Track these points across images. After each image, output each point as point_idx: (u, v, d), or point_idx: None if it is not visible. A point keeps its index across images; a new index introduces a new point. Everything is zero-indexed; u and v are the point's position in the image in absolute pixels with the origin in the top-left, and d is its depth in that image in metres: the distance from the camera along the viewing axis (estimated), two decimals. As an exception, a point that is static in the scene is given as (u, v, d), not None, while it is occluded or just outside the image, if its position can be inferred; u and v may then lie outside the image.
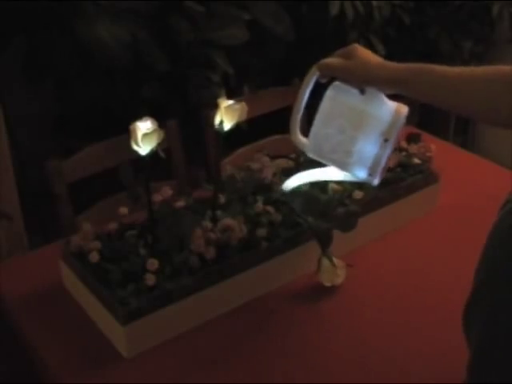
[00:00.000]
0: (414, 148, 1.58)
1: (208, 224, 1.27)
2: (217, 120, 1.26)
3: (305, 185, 1.34)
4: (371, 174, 1.12)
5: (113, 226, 1.30)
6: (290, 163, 1.51)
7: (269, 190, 1.41)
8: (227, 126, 1.25)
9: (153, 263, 1.18)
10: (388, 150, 1.11)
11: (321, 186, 1.40)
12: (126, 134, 1.16)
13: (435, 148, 1.59)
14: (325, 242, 1.33)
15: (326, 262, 1.33)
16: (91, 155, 1.66)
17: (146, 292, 1.16)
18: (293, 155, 1.53)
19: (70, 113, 2.52)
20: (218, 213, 1.32)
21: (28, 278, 1.38)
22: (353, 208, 1.40)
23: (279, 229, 1.31)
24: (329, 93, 1.13)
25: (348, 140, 1.11)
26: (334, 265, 1.32)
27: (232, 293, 1.27)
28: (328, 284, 1.33)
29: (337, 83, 1.13)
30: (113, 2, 2.10)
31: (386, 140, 1.09)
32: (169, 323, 1.20)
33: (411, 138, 1.63)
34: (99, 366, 1.17)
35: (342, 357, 1.19)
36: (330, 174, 1.21)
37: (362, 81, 1.08)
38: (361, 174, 1.13)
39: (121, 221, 1.32)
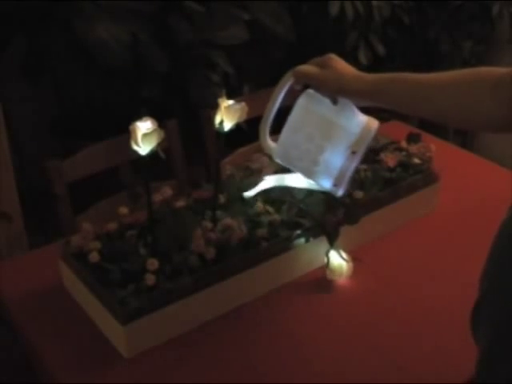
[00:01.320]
0: (413, 148, 1.58)
1: (208, 224, 1.27)
2: (217, 120, 1.26)
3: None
4: (336, 184, 1.11)
5: (113, 225, 1.30)
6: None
7: (269, 189, 1.40)
8: (227, 125, 1.25)
9: (153, 263, 1.18)
10: (354, 163, 1.10)
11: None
12: (126, 133, 1.16)
13: (435, 148, 1.59)
14: (333, 235, 1.33)
15: (334, 255, 1.34)
16: (91, 155, 1.66)
17: (146, 292, 1.16)
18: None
19: (69, 113, 2.52)
20: (218, 213, 1.32)
21: (28, 278, 1.38)
22: (353, 208, 1.40)
23: (279, 229, 1.31)
24: (301, 100, 1.12)
25: (315, 149, 1.10)
26: (343, 258, 1.33)
27: (232, 293, 1.27)
28: (337, 278, 1.34)
29: (310, 91, 1.12)
30: (113, 2, 2.10)
31: (353, 152, 1.09)
32: (169, 323, 1.20)
33: (411, 138, 1.63)
34: (99, 366, 1.17)
35: (342, 355, 1.19)
36: (297, 180, 1.22)
37: (335, 91, 1.08)
38: (326, 184, 1.13)
39: (121, 221, 1.32)
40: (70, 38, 2.08)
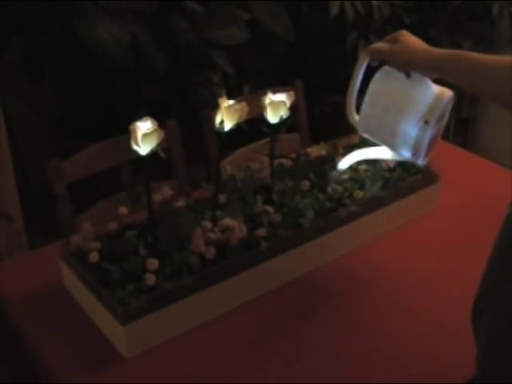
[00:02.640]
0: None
1: (208, 224, 1.27)
2: (217, 120, 1.26)
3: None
4: (414, 153, 1.18)
5: (113, 225, 1.30)
6: (290, 163, 1.51)
7: (269, 189, 1.41)
8: (227, 126, 1.25)
9: (153, 263, 1.18)
10: (428, 133, 1.16)
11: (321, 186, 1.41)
12: (126, 133, 1.16)
13: (435, 148, 1.59)
14: None
15: None
16: (91, 155, 1.66)
17: (146, 292, 1.16)
18: (293, 155, 1.53)
19: (69, 113, 2.52)
20: (218, 213, 1.32)
21: (28, 278, 1.38)
22: (353, 208, 1.40)
23: (279, 229, 1.31)
24: (377, 76, 1.21)
25: (392, 121, 1.18)
26: None
27: (232, 293, 1.27)
28: None
29: (385, 67, 1.20)
30: (113, 1, 2.10)
31: (425, 122, 1.15)
32: (169, 323, 1.20)
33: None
34: (99, 366, 1.17)
35: (342, 357, 1.19)
36: (381, 153, 1.28)
37: (405, 64, 1.14)
38: (406, 154, 1.20)
39: (121, 221, 1.32)
40: (70, 38, 2.08)
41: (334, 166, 1.42)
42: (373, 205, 1.44)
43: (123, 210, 1.32)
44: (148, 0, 2.18)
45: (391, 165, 1.51)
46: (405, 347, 1.20)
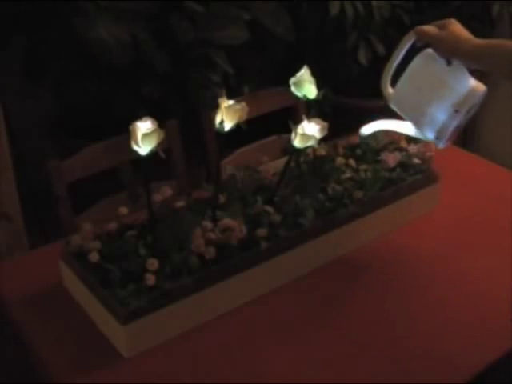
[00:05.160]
0: (413, 148, 1.58)
1: (208, 224, 1.27)
2: (217, 120, 1.26)
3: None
4: (438, 137, 1.23)
5: (113, 225, 1.30)
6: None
7: (269, 190, 1.41)
8: (227, 126, 1.25)
9: (153, 263, 1.18)
10: (456, 121, 1.20)
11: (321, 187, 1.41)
12: (126, 133, 1.16)
13: (435, 148, 1.59)
14: None
15: None
16: (91, 155, 1.66)
17: (146, 292, 1.16)
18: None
19: (69, 113, 2.52)
20: (218, 213, 1.32)
21: (28, 278, 1.38)
22: (353, 208, 1.40)
23: (279, 229, 1.31)
24: (419, 56, 1.26)
25: (424, 101, 1.23)
26: None
27: (232, 293, 1.27)
28: None
29: (429, 50, 1.23)
30: (113, 1, 2.10)
31: (456, 111, 1.20)
32: (169, 323, 1.20)
33: (411, 138, 1.63)
34: (99, 366, 1.17)
35: (342, 355, 1.19)
36: (405, 128, 1.31)
37: (450, 52, 1.18)
38: (429, 135, 1.24)
39: (121, 221, 1.32)
40: (70, 38, 2.08)
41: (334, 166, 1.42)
42: (373, 205, 1.45)
43: (123, 210, 1.32)
44: (148, 0, 2.18)
45: (391, 165, 1.51)
46: (405, 347, 1.20)
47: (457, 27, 1.19)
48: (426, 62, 1.25)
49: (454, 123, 1.21)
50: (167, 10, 2.21)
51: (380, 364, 1.16)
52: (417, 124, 1.27)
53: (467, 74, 1.21)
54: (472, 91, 1.20)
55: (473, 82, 1.21)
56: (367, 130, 1.39)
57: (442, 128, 1.22)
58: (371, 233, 1.47)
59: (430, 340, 1.22)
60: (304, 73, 1.37)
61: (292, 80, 1.37)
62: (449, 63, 1.20)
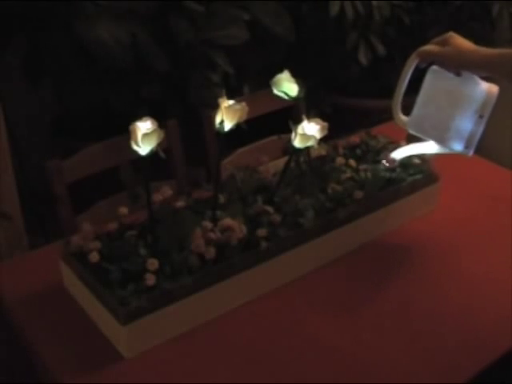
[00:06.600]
0: (413, 148, 1.58)
1: (208, 224, 1.27)
2: (217, 120, 1.26)
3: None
4: (467, 146, 1.27)
5: (113, 225, 1.30)
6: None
7: (269, 190, 1.41)
8: (227, 126, 1.25)
9: (153, 263, 1.18)
10: (482, 127, 1.25)
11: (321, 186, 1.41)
12: (126, 133, 1.16)
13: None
14: None
15: None
16: (91, 155, 1.66)
17: (146, 292, 1.16)
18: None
19: (69, 113, 2.52)
20: (218, 213, 1.32)
21: (28, 277, 1.38)
22: (353, 208, 1.40)
23: (279, 229, 1.31)
24: (428, 77, 1.29)
25: (446, 118, 1.26)
26: None
27: (232, 293, 1.27)
28: None
29: (434, 67, 1.27)
30: (113, 1, 2.10)
31: (480, 116, 1.24)
32: (169, 323, 1.20)
33: (411, 138, 1.62)
34: (99, 366, 1.17)
35: (341, 355, 1.19)
36: (430, 147, 1.35)
37: (457, 65, 1.21)
38: (457, 147, 1.27)
39: (121, 221, 1.32)
40: (70, 38, 2.08)
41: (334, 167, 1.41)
42: (373, 205, 1.45)
43: (123, 210, 1.32)
44: (148, 0, 2.18)
45: (391, 165, 1.51)
46: (405, 348, 1.20)
47: (459, 40, 1.20)
48: (436, 80, 1.28)
49: (481, 129, 1.25)
50: (167, 10, 2.21)
51: (371, 370, 1.16)
52: (441, 141, 1.29)
53: (478, 80, 1.24)
54: (489, 94, 1.24)
55: (486, 85, 1.24)
56: (398, 154, 1.41)
57: (471, 137, 1.25)
58: (371, 233, 1.47)
59: (429, 340, 1.22)
60: (283, 74, 1.37)
61: (271, 80, 1.38)
62: (458, 74, 1.23)
